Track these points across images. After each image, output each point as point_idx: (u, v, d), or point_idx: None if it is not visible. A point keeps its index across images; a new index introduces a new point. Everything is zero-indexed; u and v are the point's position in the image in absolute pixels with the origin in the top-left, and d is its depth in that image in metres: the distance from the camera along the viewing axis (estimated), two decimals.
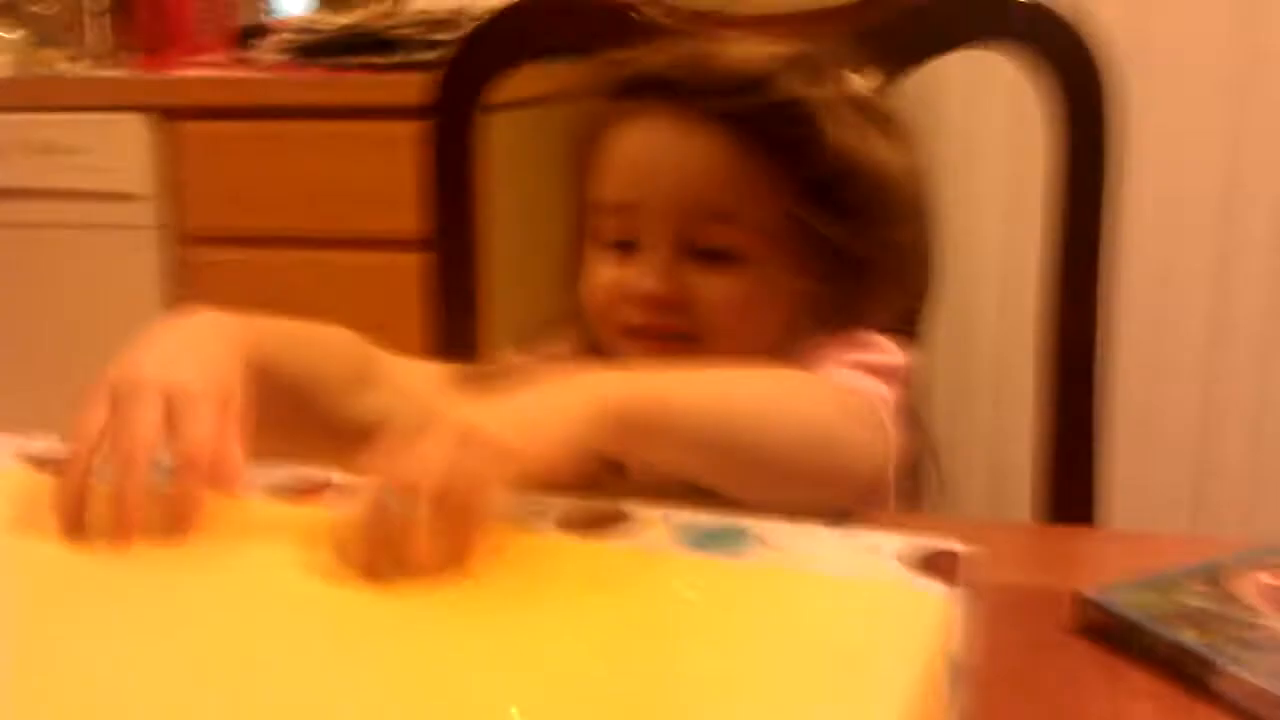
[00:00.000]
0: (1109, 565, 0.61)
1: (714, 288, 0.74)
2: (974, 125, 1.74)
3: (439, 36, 1.58)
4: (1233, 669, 0.55)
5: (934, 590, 0.44)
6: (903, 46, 0.89)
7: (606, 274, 0.77)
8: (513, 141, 1.55)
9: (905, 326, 0.80)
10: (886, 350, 0.74)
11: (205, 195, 1.69)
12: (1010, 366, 1.73)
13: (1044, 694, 0.55)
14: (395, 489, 0.48)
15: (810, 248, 0.74)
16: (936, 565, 0.46)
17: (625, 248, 0.76)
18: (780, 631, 0.43)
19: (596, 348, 0.82)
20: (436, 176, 1.08)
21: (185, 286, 1.69)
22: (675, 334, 0.75)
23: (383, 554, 0.47)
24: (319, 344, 0.75)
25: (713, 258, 0.74)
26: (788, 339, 0.75)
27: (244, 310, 0.67)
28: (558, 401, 0.54)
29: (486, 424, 0.51)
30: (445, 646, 0.43)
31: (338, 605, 0.46)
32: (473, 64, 1.03)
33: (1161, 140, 1.64)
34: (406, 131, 1.42)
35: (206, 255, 1.70)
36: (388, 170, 1.52)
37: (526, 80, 1.10)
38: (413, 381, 0.80)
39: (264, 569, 0.48)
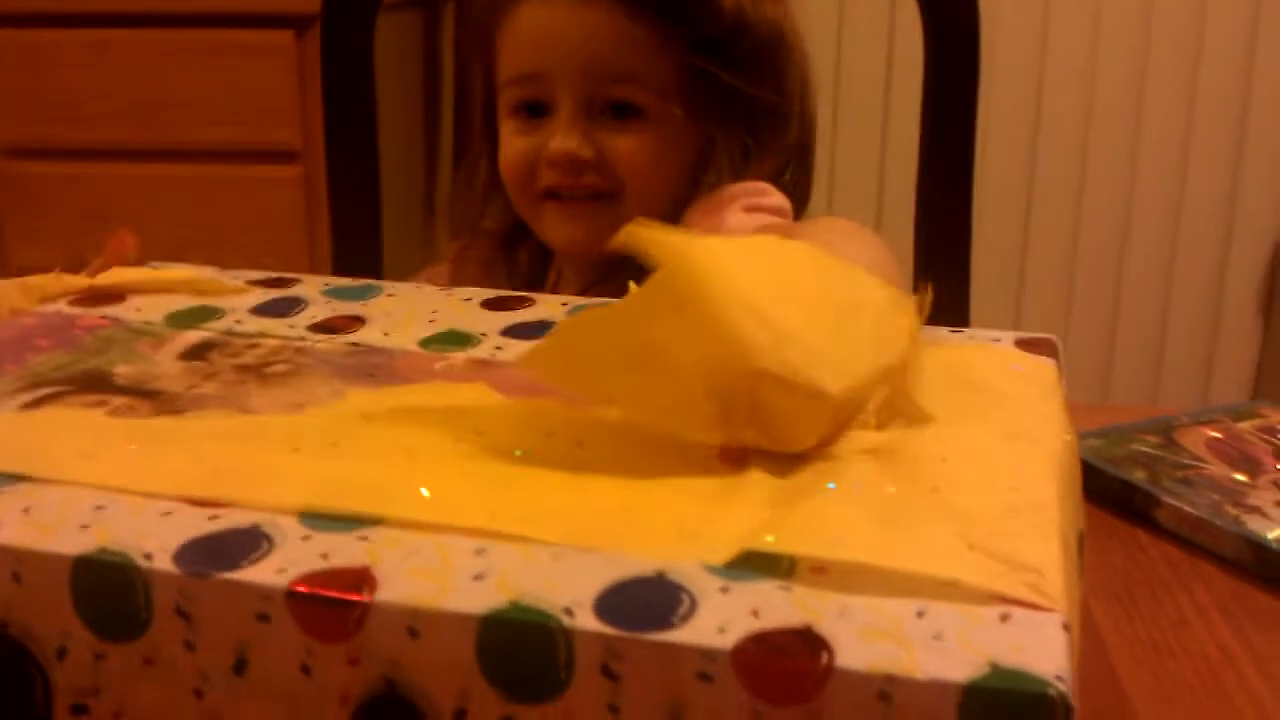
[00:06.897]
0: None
1: (624, 143, 0.81)
2: None
3: None
4: (1172, 501, 0.67)
5: (1049, 363, 0.53)
6: None
7: (520, 143, 0.83)
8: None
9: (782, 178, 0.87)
10: (774, 194, 0.83)
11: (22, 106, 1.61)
12: None
13: None
14: None
15: (710, 100, 0.82)
16: (1039, 348, 0.54)
17: (535, 117, 0.82)
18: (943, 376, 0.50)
19: (518, 219, 0.87)
20: (329, 86, 1.06)
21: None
22: (593, 193, 0.81)
23: None
24: None
25: (619, 116, 0.81)
26: (694, 188, 0.83)
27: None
28: None
29: None
30: None
31: None
32: None
33: None
34: (280, 40, 1.40)
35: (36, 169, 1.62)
36: (257, 82, 1.48)
37: None
38: None
39: None
